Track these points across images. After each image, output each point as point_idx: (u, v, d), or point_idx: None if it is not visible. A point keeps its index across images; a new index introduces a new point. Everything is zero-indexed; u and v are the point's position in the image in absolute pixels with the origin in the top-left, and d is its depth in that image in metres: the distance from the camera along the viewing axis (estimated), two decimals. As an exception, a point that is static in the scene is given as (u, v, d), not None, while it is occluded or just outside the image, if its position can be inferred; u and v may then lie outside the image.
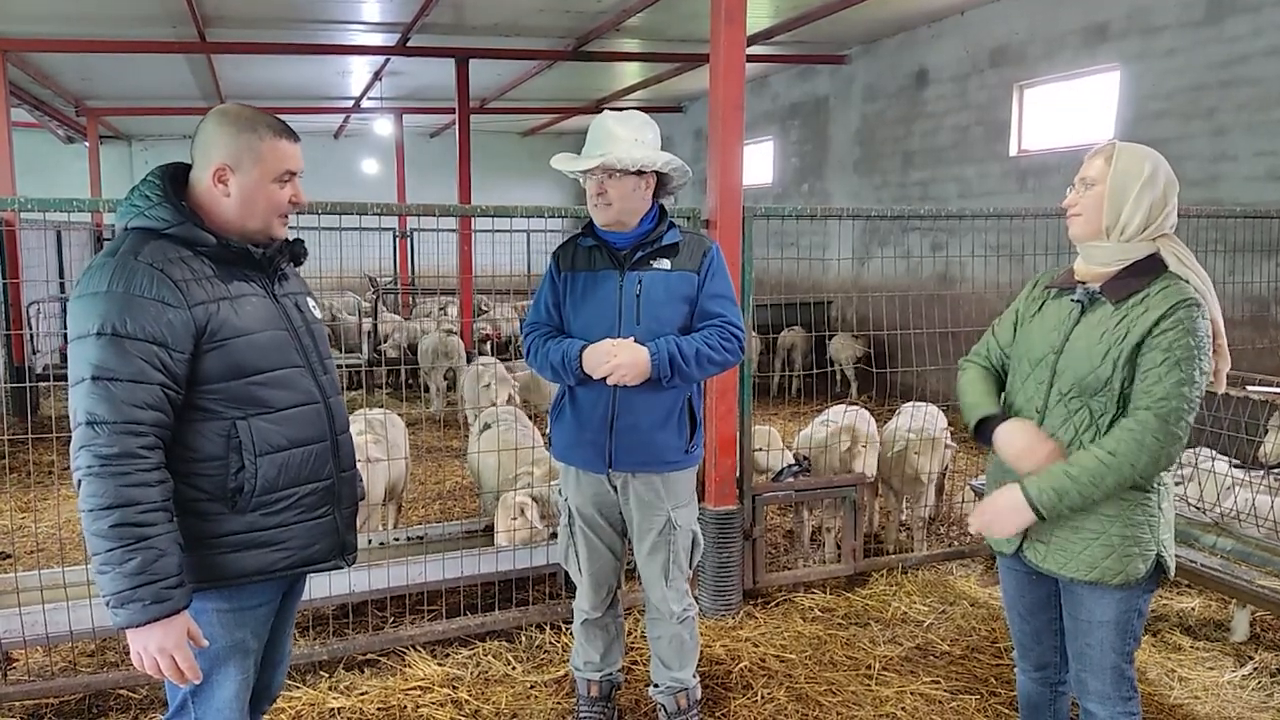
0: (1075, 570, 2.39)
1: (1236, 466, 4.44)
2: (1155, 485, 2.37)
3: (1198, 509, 4.27)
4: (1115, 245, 2.36)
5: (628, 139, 2.98)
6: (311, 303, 2.36)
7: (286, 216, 2.21)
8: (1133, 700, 2.51)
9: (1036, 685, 2.74)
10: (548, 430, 3.26)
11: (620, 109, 3.18)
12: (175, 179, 2.14)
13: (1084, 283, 2.43)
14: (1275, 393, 4.00)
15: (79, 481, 1.93)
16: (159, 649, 1.96)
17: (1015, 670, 2.82)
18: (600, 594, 3.29)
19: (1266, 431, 5.16)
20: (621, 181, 2.98)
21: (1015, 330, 2.61)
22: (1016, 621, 2.71)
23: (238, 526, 2.09)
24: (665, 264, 3.06)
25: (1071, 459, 2.32)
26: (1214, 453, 4.54)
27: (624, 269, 3.05)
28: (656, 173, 3.05)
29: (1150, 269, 2.34)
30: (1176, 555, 4.05)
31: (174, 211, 2.07)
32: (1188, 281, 2.31)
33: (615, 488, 3.16)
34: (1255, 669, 3.94)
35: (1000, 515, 2.41)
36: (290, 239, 2.27)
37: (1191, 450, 4.61)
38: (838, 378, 10.60)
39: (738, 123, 4.30)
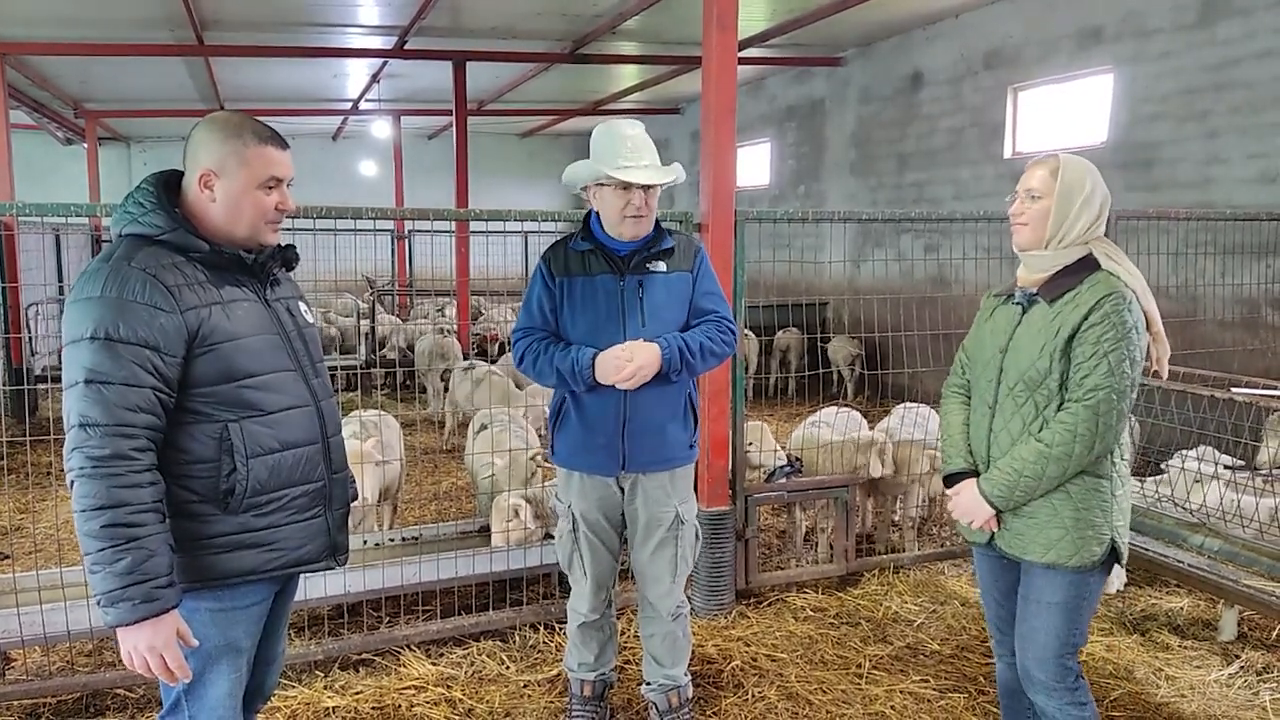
0: (1033, 553, 2.55)
1: (1227, 467, 4.47)
2: (1109, 472, 2.52)
3: (1185, 509, 4.31)
4: (1053, 253, 2.56)
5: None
6: (303, 307, 2.39)
7: (276, 223, 2.24)
8: (1079, 690, 2.62)
9: (1013, 672, 2.80)
10: (546, 435, 3.28)
11: (612, 114, 3.23)
12: (169, 186, 2.18)
13: (1024, 288, 2.64)
14: (1260, 394, 4.03)
15: (72, 483, 1.97)
16: (149, 648, 1.99)
17: (995, 660, 2.91)
18: (601, 596, 3.33)
19: (1260, 437, 5.20)
20: (654, 194, 3.05)
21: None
22: (992, 607, 2.85)
23: (229, 528, 2.13)
24: (661, 266, 3.11)
25: (1014, 452, 2.54)
26: (1217, 452, 4.58)
27: (623, 273, 3.08)
28: None
29: (1083, 268, 2.53)
30: (1163, 555, 4.15)
31: (167, 218, 2.11)
32: (1117, 276, 2.49)
33: (623, 489, 3.20)
34: (1242, 668, 3.98)
35: (967, 511, 2.65)
36: (282, 244, 2.31)
37: (1180, 452, 4.65)
38: (834, 378, 10.66)
39: (730, 127, 4.34)
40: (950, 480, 2.73)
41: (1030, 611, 2.62)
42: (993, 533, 2.65)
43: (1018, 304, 2.64)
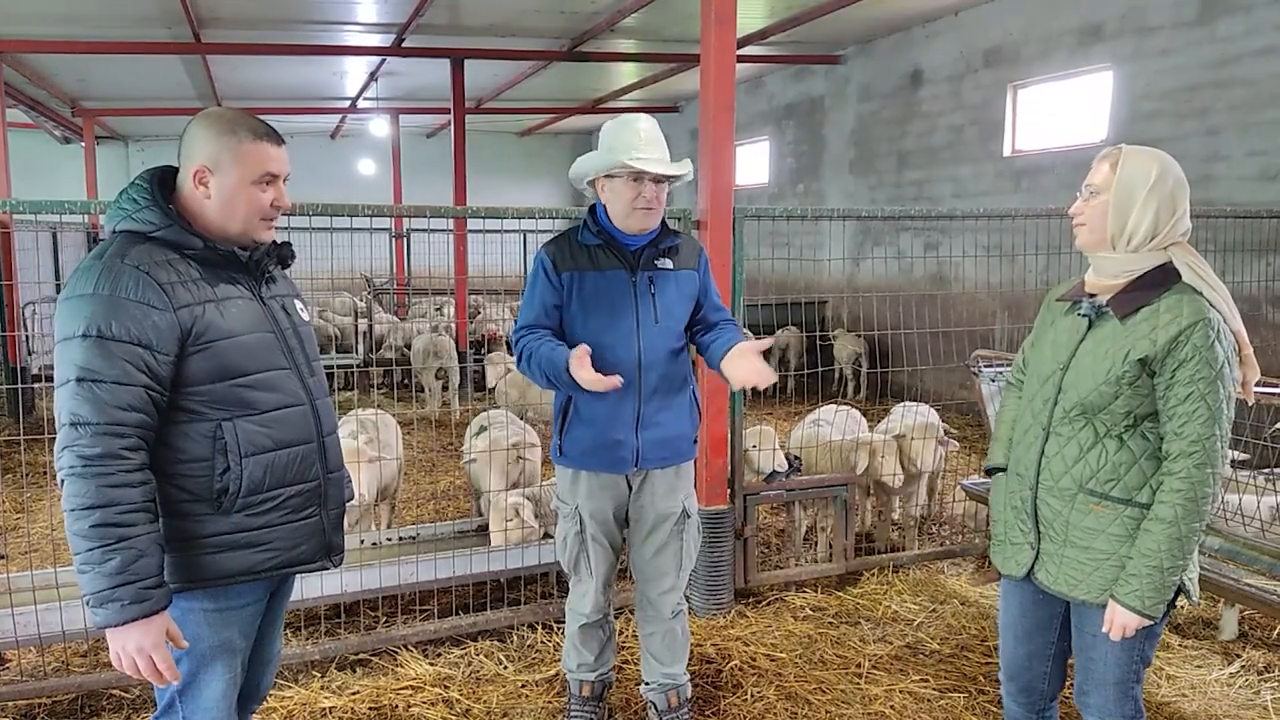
0: (1086, 593, 2.33)
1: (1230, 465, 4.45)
2: None
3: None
4: (1122, 256, 2.28)
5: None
6: (299, 305, 2.37)
7: (271, 220, 2.21)
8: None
9: (1022, 710, 2.67)
10: (554, 437, 3.22)
11: (611, 113, 3.22)
12: (163, 183, 2.16)
13: (1092, 295, 2.36)
14: (1264, 393, 4.01)
15: (62, 481, 1.95)
16: (138, 649, 1.97)
17: (1000, 691, 2.74)
18: (606, 596, 3.32)
19: (1262, 435, 5.17)
20: (664, 188, 3.04)
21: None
22: (1011, 644, 2.63)
23: (223, 527, 2.11)
24: (668, 263, 3.11)
25: (1140, 546, 2.23)
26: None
27: (635, 269, 3.06)
28: None
29: (1160, 281, 2.24)
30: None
31: (161, 215, 2.08)
32: (1200, 294, 2.21)
33: (631, 486, 3.19)
34: (1243, 667, 3.96)
35: (1119, 632, 2.29)
36: (278, 242, 2.28)
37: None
38: (834, 376, 10.65)
39: (728, 124, 4.32)
40: (990, 473, 2.65)
41: (1086, 643, 2.42)
42: (1031, 568, 2.45)
43: (1084, 315, 2.35)
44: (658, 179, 2.99)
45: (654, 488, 3.18)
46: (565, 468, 3.21)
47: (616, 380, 2.85)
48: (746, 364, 2.92)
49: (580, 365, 2.83)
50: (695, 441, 3.28)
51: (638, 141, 2.98)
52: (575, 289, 3.04)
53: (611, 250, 3.06)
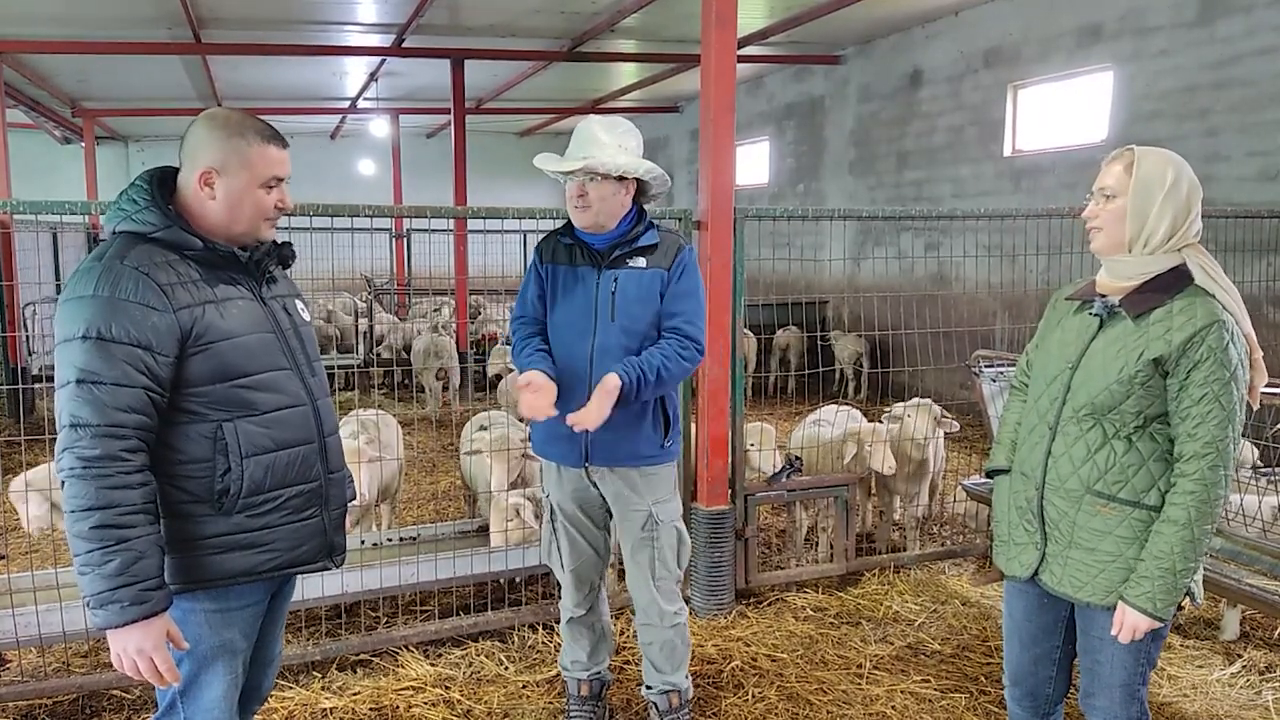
0: (1091, 595, 2.32)
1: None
2: None
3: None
4: (1138, 259, 2.28)
5: (611, 144, 3.03)
6: (300, 305, 2.37)
7: (274, 220, 2.22)
8: None
9: (1028, 715, 2.66)
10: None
11: (611, 112, 3.22)
12: (163, 183, 2.15)
13: (1104, 295, 2.35)
14: (1266, 393, 4.01)
15: (63, 483, 1.95)
16: (138, 650, 1.97)
17: (1004, 694, 2.74)
18: (583, 592, 3.31)
19: (1263, 435, 5.17)
20: (602, 185, 3.01)
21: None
22: (1016, 648, 2.62)
23: (224, 528, 2.11)
24: (641, 262, 3.09)
25: (1152, 549, 2.22)
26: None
27: (601, 267, 3.08)
28: (637, 179, 3.09)
29: (1174, 282, 2.24)
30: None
31: (160, 215, 2.08)
32: (1213, 296, 2.21)
33: (594, 483, 3.18)
34: (1244, 667, 3.96)
35: (1129, 634, 2.28)
36: (278, 242, 2.29)
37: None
38: (834, 376, 10.65)
39: (729, 124, 4.32)
40: (991, 475, 2.62)
41: (1091, 646, 2.42)
42: (1036, 570, 2.43)
43: (1095, 315, 2.34)
44: (589, 175, 3.00)
45: (615, 489, 3.15)
46: (538, 455, 3.30)
47: (543, 410, 2.89)
48: (591, 402, 2.88)
49: (526, 390, 2.92)
50: (664, 448, 3.15)
51: (572, 145, 3.08)
52: (551, 281, 3.16)
53: (583, 249, 3.12)
